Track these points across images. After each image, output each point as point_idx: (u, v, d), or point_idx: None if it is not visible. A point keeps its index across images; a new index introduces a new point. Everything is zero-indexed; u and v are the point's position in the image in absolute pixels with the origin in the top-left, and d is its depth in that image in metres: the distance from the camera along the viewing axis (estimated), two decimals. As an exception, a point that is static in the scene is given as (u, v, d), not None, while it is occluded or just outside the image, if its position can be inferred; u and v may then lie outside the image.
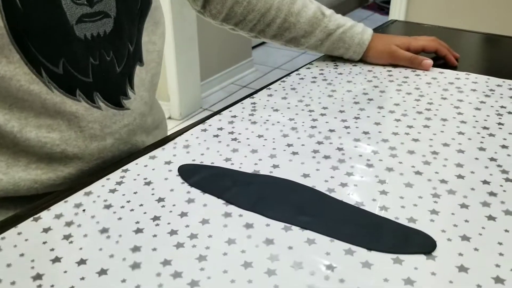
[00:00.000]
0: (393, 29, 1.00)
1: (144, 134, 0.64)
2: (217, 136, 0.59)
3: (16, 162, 0.55)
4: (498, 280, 0.38)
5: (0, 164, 0.55)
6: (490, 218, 0.44)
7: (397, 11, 2.53)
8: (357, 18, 3.90)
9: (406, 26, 1.08)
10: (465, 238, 0.42)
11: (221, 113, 0.65)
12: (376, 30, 0.98)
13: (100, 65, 0.54)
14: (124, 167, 0.53)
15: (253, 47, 2.95)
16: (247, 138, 0.58)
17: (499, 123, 0.61)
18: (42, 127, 0.53)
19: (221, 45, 2.44)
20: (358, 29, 0.79)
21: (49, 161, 0.56)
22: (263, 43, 3.29)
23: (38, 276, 0.39)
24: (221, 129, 0.61)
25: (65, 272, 0.39)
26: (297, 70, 0.80)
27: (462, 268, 0.39)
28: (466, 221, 0.44)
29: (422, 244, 0.41)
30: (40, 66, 0.50)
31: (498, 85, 0.72)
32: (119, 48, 0.56)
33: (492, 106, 0.66)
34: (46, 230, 0.44)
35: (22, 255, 0.41)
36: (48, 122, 0.53)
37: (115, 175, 0.52)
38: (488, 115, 0.63)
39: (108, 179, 0.51)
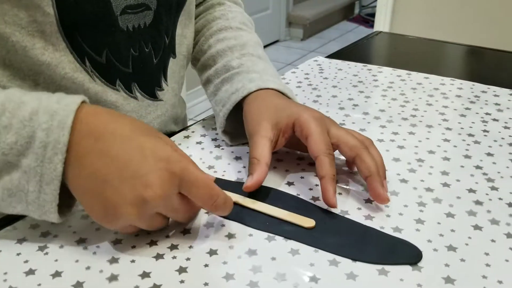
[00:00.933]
0: (378, 41, 1.00)
1: (174, 124, 0.65)
2: (200, 143, 0.58)
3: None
4: (484, 291, 0.37)
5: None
6: (476, 227, 0.44)
7: (382, 23, 2.54)
8: (342, 30, 3.95)
9: (391, 37, 1.08)
10: (451, 248, 0.41)
11: (205, 119, 0.64)
12: (361, 41, 0.98)
13: (139, 56, 0.55)
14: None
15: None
16: (231, 145, 0.57)
17: (484, 130, 0.61)
18: None
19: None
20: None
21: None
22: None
23: (10, 290, 0.37)
24: (204, 135, 0.60)
25: (39, 285, 0.38)
26: (282, 74, 0.79)
27: (449, 280, 0.38)
28: (452, 230, 0.43)
29: (408, 254, 0.40)
30: (84, 55, 0.50)
31: (483, 91, 0.72)
32: (157, 40, 0.56)
33: (477, 113, 0.66)
34: (20, 241, 0.42)
35: (-6, 267, 0.39)
36: None
37: (94, 183, 0.50)
38: (473, 122, 0.63)
39: (86, 187, 0.50)
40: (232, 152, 0.56)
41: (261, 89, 0.55)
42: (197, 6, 0.69)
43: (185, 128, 0.62)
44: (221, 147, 0.57)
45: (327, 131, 0.48)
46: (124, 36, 0.52)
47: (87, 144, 0.39)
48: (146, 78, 0.57)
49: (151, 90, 0.58)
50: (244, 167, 0.53)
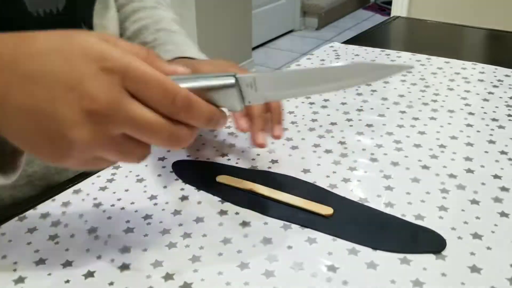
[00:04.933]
0: (396, 26, 0.97)
1: None
2: (213, 130, 0.57)
3: None
4: (513, 281, 0.35)
5: None
6: (503, 214, 0.42)
7: (399, 8, 2.50)
8: (357, 19, 3.89)
9: (409, 22, 1.05)
10: (476, 236, 0.39)
11: (218, 106, 0.63)
12: (378, 27, 0.95)
13: None
14: (116, 164, 0.51)
15: (253, 48, 2.93)
16: (245, 133, 0.56)
17: (509, 115, 0.58)
18: None
19: (221, 46, 2.41)
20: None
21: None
22: (263, 43, 3.27)
23: (20, 280, 0.36)
24: (217, 123, 0.58)
25: (49, 274, 0.37)
26: (297, 61, 0.77)
27: (475, 269, 0.36)
28: (477, 217, 0.41)
29: (431, 242, 0.39)
30: None
31: (507, 75, 0.69)
32: (73, 28, 0.52)
33: (501, 97, 0.63)
34: (31, 231, 0.41)
35: (4, 257, 0.39)
36: None
37: (106, 172, 0.49)
38: (497, 107, 0.60)
39: (98, 176, 0.49)
40: (246, 139, 0.54)
41: (178, 57, 0.52)
42: None
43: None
44: (234, 135, 0.55)
45: None
46: (34, 22, 0.47)
47: (2, 79, 0.31)
48: None
49: None
50: (258, 154, 0.51)
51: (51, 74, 0.31)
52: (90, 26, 0.55)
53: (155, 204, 0.44)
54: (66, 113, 0.30)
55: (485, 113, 0.59)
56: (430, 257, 0.37)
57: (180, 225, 0.41)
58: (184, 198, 0.45)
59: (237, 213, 0.43)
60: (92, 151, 0.32)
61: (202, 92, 0.34)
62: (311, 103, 0.62)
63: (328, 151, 0.51)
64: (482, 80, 0.68)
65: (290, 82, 0.36)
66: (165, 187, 0.46)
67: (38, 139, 0.32)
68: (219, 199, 0.44)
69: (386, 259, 0.37)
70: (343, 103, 0.62)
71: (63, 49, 0.31)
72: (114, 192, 0.46)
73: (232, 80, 0.35)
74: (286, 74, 0.38)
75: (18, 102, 0.31)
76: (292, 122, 0.57)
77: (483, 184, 0.46)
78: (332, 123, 0.57)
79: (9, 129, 0.32)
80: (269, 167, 0.49)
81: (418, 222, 0.41)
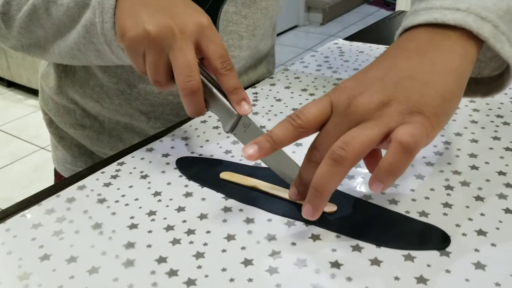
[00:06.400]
0: (401, 21, 0.97)
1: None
2: (216, 127, 0.57)
3: (88, 82, 0.66)
4: (517, 278, 0.35)
5: (78, 79, 0.66)
6: (508, 211, 0.41)
7: (404, 2, 2.48)
8: (362, 14, 3.89)
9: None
10: (481, 232, 0.39)
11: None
12: (382, 21, 0.95)
13: None
14: (120, 160, 0.51)
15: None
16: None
17: (514, 111, 0.58)
18: None
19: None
20: None
21: (107, 88, 0.65)
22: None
23: (25, 275, 0.37)
24: (221, 119, 0.58)
25: (54, 270, 0.37)
26: (301, 57, 0.77)
27: (479, 265, 0.36)
28: (482, 214, 0.41)
29: (435, 239, 0.38)
30: None
31: (512, 72, 0.69)
32: None
33: (506, 94, 0.63)
34: (36, 226, 0.42)
35: (9, 253, 0.39)
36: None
37: (110, 168, 0.49)
38: (501, 103, 0.60)
39: (103, 172, 0.49)
40: (250, 135, 0.54)
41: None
42: None
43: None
44: (239, 131, 0.55)
45: None
46: None
47: None
48: None
49: None
50: (263, 150, 0.51)
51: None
52: (212, 10, 0.60)
53: (159, 200, 0.44)
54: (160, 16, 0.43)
55: (490, 109, 0.59)
56: (434, 253, 0.37)
57: (184, 221, 0.41)
58: (188, 194, 0.45)
59: (241, 210, 0.43)
60: (146, 43, 0.43)
61: (214, 96, 0.46)
62: (315, 100, 0.62)
63: (332, 148, 0.51)
64: (487, 76, 0.67)
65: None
66: (169, 183, 0.46)
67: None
68: (223, 195, 0.44)
69: (390, 255, 0.37)
70: (347, 100, 0.62)
71: None
72: (118, 188, 0.46)
73: (236, 114, 0.45)
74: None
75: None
76: (296, 119, 0.57)
77: (487, 180, 0.45)
78: (336, 120, 0.57)
79: (122, 11, 0.45)
80: (273, 164, 0.49)
81: (422, 219, 0.41)
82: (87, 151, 0.73)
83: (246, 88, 0.68)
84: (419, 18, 0.40)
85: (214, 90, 0.46)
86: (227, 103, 0.45)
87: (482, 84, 0.45)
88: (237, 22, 0.62)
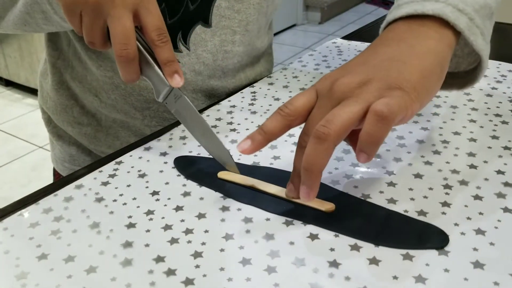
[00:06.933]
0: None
1: (200, 94, 0.66)
2: (215, 126, 0.56)
3: (85, 77, 0.66)
4: (516, 277, 0.35)
5: (76, 75, 0.67)
6: (506, 210, 0.41)
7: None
8: (361, 13, 3.89)
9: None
10: (479, 231, 0.39)
11: (220, 103, 0.63)
12: (381, 20, 0.95)
13: None
14: (118, 159, 0.51)
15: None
16: (247, 129, 0.56)
17: (513, 110, 0.58)
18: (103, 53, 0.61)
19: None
20: None
21: (103, 82, 0.65)
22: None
23: (22, 275, 0.36)
24: (219, 119, 0.58)
25: (52, 269, 0.37)
26: (299, 56, 0.77)
27: (478, 264, 0.36)
28: (481, 213, 0.41)
29: (434, 238, 0.38)
30: None
31: (510, 71, 0.69)
32: (173, 3, 0.58)
33: (504, 93, 0.63)
34: (33, 226, 0.41)
35: (7, 252, 0.39)
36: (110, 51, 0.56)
37: (108, 167, 0.49)
38: (500, 102, 0.60)
39: (100, 171, 0.49)
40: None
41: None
42: None
43: (200, 111, 0.60)
44: (236, 131, 0.55)
45: None
46: None
47: None
48: None
49: None
50: (260, 151, 0.51)
51: None
52: (204, 5, 0.60)
53: (157, 199, 0.44)
54: None
55: (488, 108, 0.59)
56: (433, 253, 0.37)
57: (182, 221, 0.41)
58: (186, 194, 0.45)
59: (239, 209, 0.42)
60: (82, 4, 0.43)
61: (148, 65, 0.47)
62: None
63: (330, 147, 0.51)
64: (485, 76, 0.67)
65: (192, 122, 0.48)
66: (167, 183, 0.46)
67: None
68: (221, 195, 0.44)
69: (389, 255, 0.37)
70: (345, 99, 0.62)
71: None
72: (116, 188, 0.46)
73: (169, 85, 0.47)
74: (196, 117, 0.48)
75: None
76: (295, 118, 0.57)
77: (486, 179, 0.45)
78: (335, 119, 0.57)
79: None
80: (271, 163, 0.49)
81: (421, 218, 0.41)
82: (85, 150, 0.73)
83: (245, 86, 0.68)
84: (401, 11, 0.43)
85: (149, 59, 0.46)
86: (161, 73, 0.46)
87: (458, 78, 0.48)
88: (230, 17, 0.62)
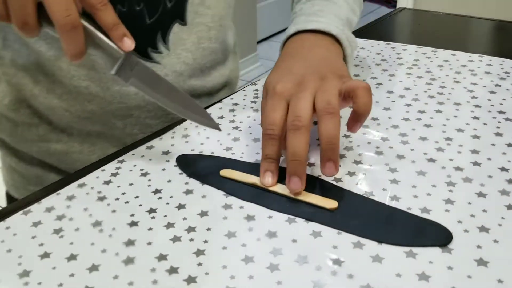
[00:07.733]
0: (402, 18, 0.97)
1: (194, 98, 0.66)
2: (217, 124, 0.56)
3: (53, 90, 0.61)
4: (520, 274, 0.35)
5: (42, 89, 0.61)
6: (510, 207, 0.41)
7: (405, 0, 2.48)
8: (363, 11, 3.83)
9: (415, 14, 1.04)
10: (483, 229, 0.39)
11: (222, 101, 0.62)
12: (383, 18, 0.94)
13: (127, 13, 0.56)
14: (120, 158, 0.50)
15: (258, 42, 2.91)
16: (249, 127, 0.56)
17: (516, 107, 0.58)
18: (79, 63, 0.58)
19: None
20: None
21: (77, 94, 0.61)
22: (268, 37, 3.25)
23: (25, 273, 0.36)
24: (222, 117, 0.58)
25: (54, 268, 0.37)
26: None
27: (481, 262, 0.36)
28: (484, 210, 0.41)
29: (437, 236, 0.38)
30: None
31: (514, 68, 0.69)
32: (152, 1, 0.57)
33: (508, 90, 0.62)
34: (35, 224, 0.41)
35: (9, 250, 0.39)
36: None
37: (111, 166, 0.49)
38: (504, 99, 0.60)
39: (103, 170, 0.49)
40: (251, 133, 0.54)
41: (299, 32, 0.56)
42: None
43: (203, 109, 0.60)
44: (239, 129, 0.55)
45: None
46: None
47: None
48: (136, 36, 0.47)
49: (142, 49, 0.59)
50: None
51: None
52: (179, 2, 0.60)
53: (160, 198, 0.44)
54: None
55: (492, 105, 0.58)
56: (436, 250, 0.37)
57: (185, 219, 0.41)
58: (188, 192, 0.45)
59: (241, 207, 0.42)
60: None
61: (93, 36, 0.43)
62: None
63: (333, 145, 0.51)
64: (489, 73, 0.67)
65: (155, 87, 0.46)
66: (169, 181, 0.46)
67: None
68: (224, 193, 0.44)
69: (392, 252, 0.37)
70: (348, 96, 0.61)
71: None
72: (118, 186, 0.46)
73: (122, 54, 0.44)
74: (158, 80, 0.46)
75: None
76: (297, 116, 0.57)
77: (490, 177, 0.45)
78: (337, 116, 0.57)
79: None
80: (274, 161, 0.49)
81: (424, 216, 0.41)
82: (53, 169, 0.68)
83: (221, 84, 0.69)
84: (297, 27, 0.56)
85: (92, 28, 0.43)
86: (109, 41, 0.43)
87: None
88: (203, 14, 0.62)
